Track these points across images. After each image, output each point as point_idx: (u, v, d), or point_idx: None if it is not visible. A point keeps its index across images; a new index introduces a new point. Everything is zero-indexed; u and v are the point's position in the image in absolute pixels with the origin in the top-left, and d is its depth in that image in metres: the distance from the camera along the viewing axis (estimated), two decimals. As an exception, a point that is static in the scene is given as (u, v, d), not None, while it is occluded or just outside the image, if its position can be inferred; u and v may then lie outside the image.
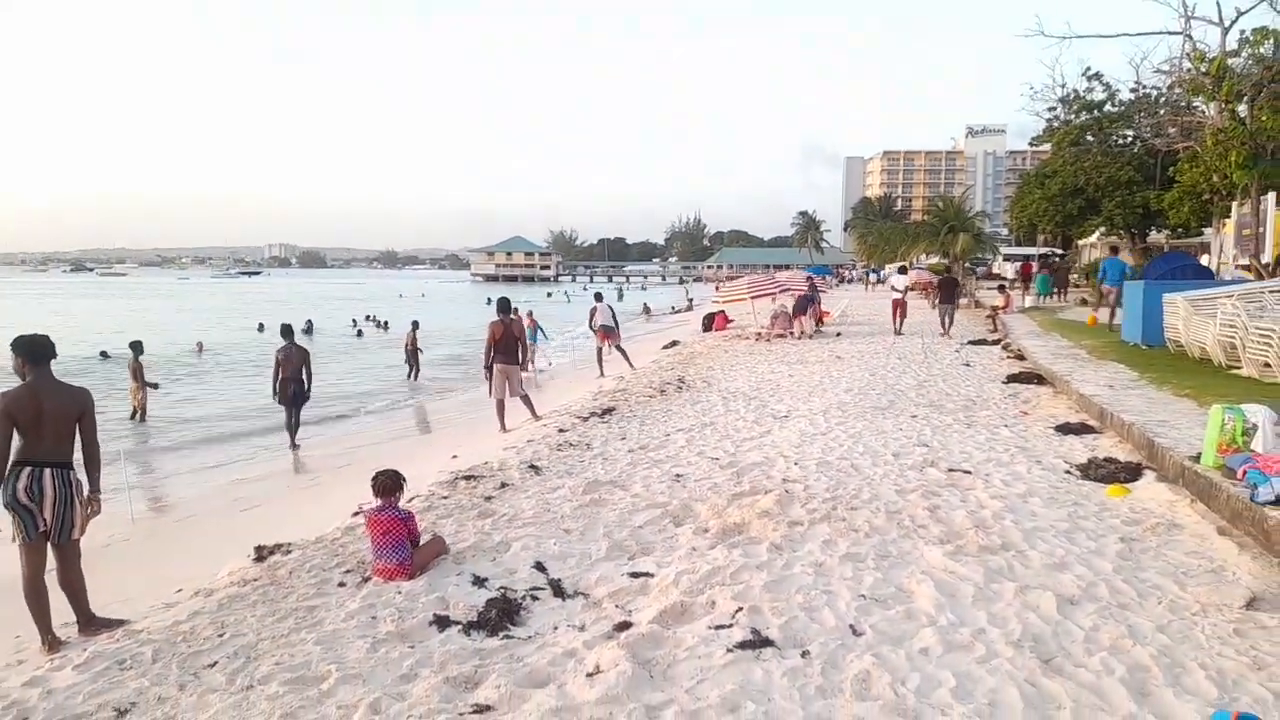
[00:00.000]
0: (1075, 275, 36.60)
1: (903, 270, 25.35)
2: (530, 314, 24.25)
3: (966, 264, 48.44)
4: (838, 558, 4.97)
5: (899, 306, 21.54)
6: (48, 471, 4.91)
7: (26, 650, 4.95)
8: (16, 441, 4.90)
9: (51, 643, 4.88)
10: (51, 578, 5.09)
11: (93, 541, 7.15)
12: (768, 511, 5.87)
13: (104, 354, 25.44)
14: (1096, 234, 34.47)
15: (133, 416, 15.03)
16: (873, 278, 65.74)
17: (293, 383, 12.61)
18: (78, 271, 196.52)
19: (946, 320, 20.89)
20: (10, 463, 4.88)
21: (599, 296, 18.37)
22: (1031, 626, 4.00)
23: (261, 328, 35.22)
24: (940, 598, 4.33)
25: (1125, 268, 19.28)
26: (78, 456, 5.16)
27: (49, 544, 5.04)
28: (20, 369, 5.07)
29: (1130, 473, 6.74)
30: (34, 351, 5.06)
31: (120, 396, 15.96)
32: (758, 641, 3.89)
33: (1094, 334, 16.74)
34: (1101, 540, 5.24)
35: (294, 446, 12.73)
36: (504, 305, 11.75)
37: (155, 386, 15.82)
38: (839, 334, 21.53)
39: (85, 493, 5.13)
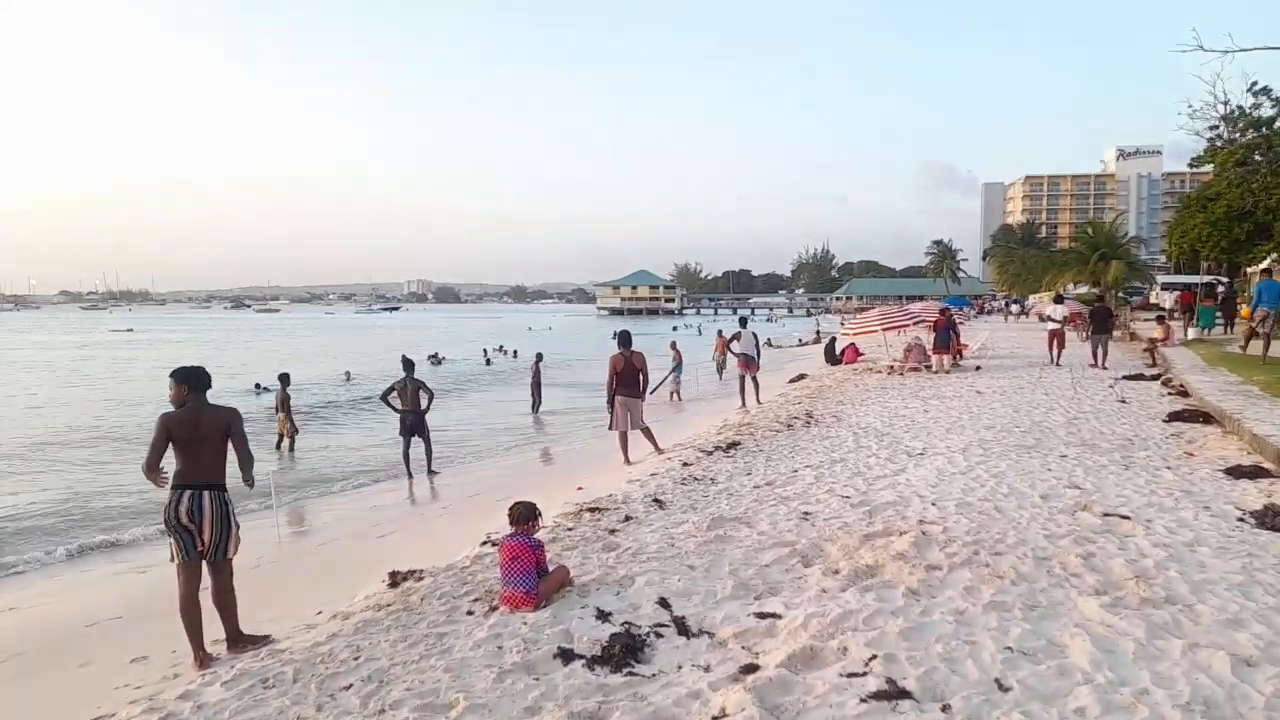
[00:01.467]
0: (1244, 305, 33.83)
1: (1058, 300, 24.24)
2: (674, 344, 24.34)
3: (1119, 293, 45.71)
4: (981, 606, 4.67)
5: (1057, 337, 20.73)
6: (206, 494, 5.24)
7: (181, 665, 5.27)
8: (175, 465, 5.26)
9: (203, 659, 5.16)
10: (205, 596, 5.41)
11: (242, 563, 7.59)
12: (903, 554, 5.60)
13: (259, 387, 26.40)
14: (1269, 259, 31.84)
15: (278, 445, 15.93)
16: (1014, 309, 62.85)
17: (411, 415, 13.20)
18: (237, 308, 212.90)
19: (1100, 351, 19.73)
20: (170, 487, 5.24)
21: (744, 322, 18.14)
22: (1202, 689, 3.62)
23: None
24: (1097, 653, 3.99)
25: None
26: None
27: (205, 563, 5.37)
28: (180, 396, 5.43)
29: (1316, 522, 6.07)
30: (196, 379, 5.45)
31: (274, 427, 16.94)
32: (894, 692, 3.68)
33: (1266, 368, 15.33)
34: (1283, 596, 4.71)
35: (428, 466, 13.36)
36: (625, 339, 11.82)
37: (297, 431, 16.51)
38: (978, 367, 20.59)
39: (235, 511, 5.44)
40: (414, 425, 13.31)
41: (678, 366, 23.17)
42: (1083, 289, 49.12)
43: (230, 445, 5.43)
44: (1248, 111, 28.35)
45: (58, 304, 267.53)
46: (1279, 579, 5.01)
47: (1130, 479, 7.96)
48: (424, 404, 13.43)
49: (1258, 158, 28.57)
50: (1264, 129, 28.10)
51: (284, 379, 16.28)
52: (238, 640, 5.41)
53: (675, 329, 71.58)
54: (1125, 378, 16.99)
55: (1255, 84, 28.18)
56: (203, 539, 5.26)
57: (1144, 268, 53.43)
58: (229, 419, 5.44)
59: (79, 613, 7.22)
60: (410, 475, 13.22)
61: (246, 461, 5.49)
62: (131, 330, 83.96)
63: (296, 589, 7.29)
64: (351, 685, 4.16)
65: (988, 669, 3.88)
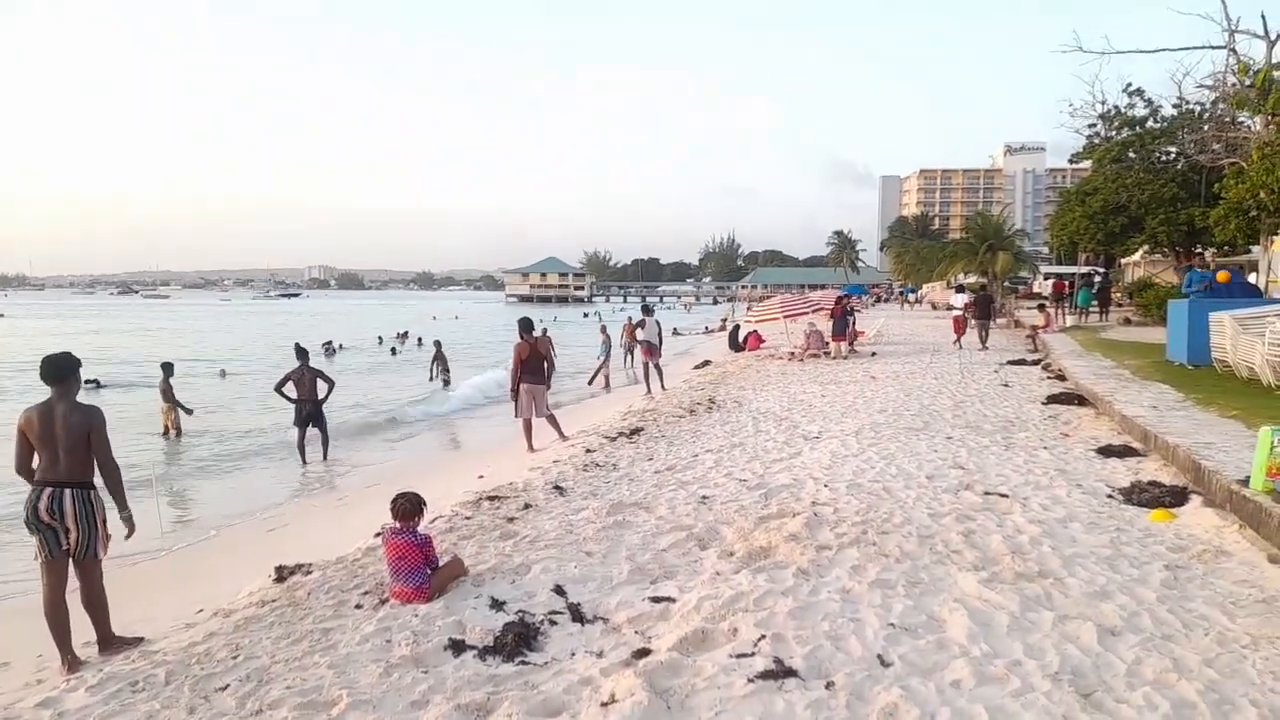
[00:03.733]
0: (1119, 294, 35.84)
1: (960, 290, 26.16)
2: (604, 328, 24.01)
3: (1006, 283, 47.81)
4: (867, 584, 4.80)
5: (960, 323, 22.66)
6: (68, 492, 4.92)
7: (47, 670, 4.95)
8: (37, 462, 4.93)
9: (71, 662, 4.87)
10: (74, 597, 5.09)
11: (122, 559, 7.22)
12: (795, 535, 5.71)
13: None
14: (1140, 252, 33.77)
15: (165, 434, 15.23)
16: (911, 297, 65.04)
17: (308, 404, 12.87)
18: (124, 293, 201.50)
19: (983, 334, 21.86)
20: (32, 484, 4.91)
21: (648, 311, 18.13)
22: (1070, 659, 3.81)
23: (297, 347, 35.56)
24: (974, 627, 4.15)
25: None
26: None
27: (71, 561, 5.05)
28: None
29: (1175, 497, 6.48)
30: (45, 371, 5.10)
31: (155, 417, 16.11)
32: (780, 671, 3.74)
33: (1137, 353, 16.29)
34: (1145, 568, 5.01)
35: (324, 458, 13.10)
36: (527, 325, 11.70)
37: (190, 412, 15.81)
38: (874, 353, 21.24)
39: (113, 514, 5.11)
40: (311, 414, 12.94)
41: (607, 349, 22.72)
42: (972, 278, 51.16)
43: (93, 451, 5.02)
44: (1123, 111, 29.95)
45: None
46: (1142, 552, 5.33)
47: (1010, 459, 8.34)
48: (323, 393, 13.05)
49: (1131, 155, 30.22)
50: (1137, 128, 29.74)
51: (167, 368, 15.58)
52: (109, 643, 5.11)
53: (586, 316, 71.41)
54: (1008, 362, 17.82)
55: (1130, 85, 29.81)
56: (68, 538, 4.95)
57: (1029, 258, 55.99)
58: (90, 422, 5.03)
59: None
60: (304, 463, 12.86)
61: (110, 475, 5.02)
62: (2, 315, 78.67)
63: (178, 586, 6.95)
64: (228, 686, 3.98)
65: (871, 645, 4.00)
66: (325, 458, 13.13)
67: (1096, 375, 13.35)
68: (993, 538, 5.61)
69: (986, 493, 6.91)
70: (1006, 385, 14.24)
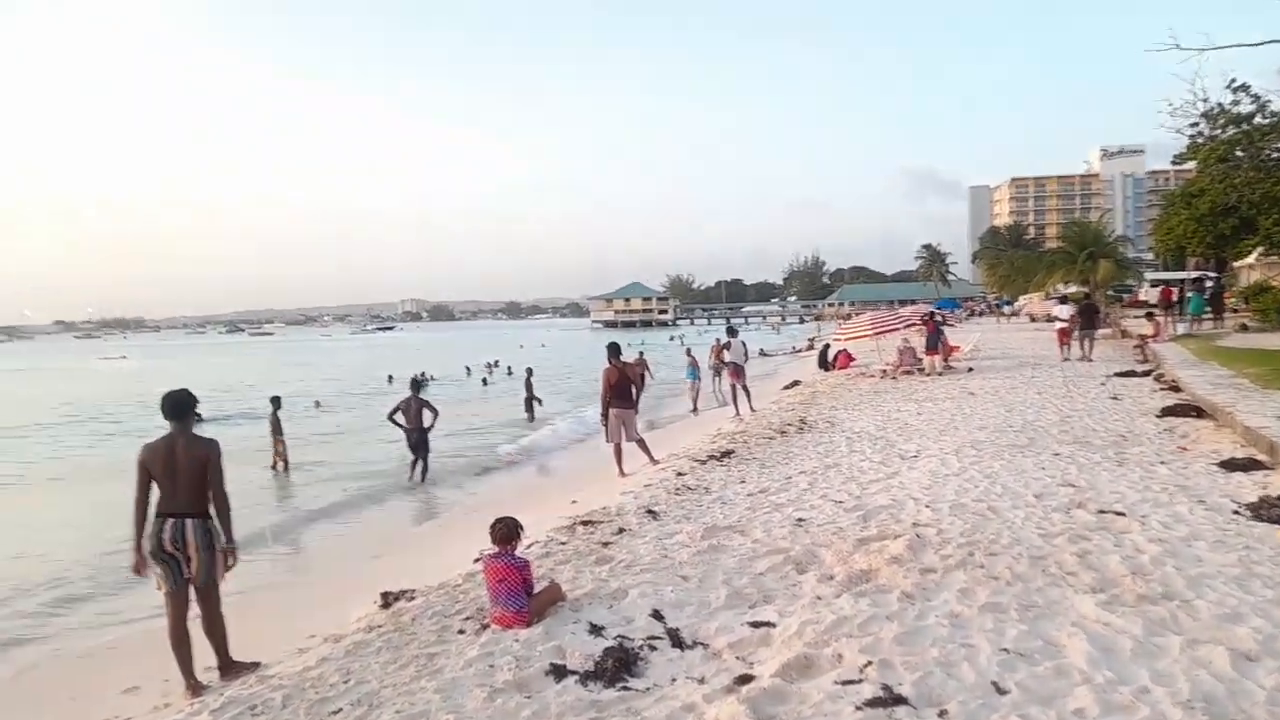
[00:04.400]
0: (1233, 299, 33.94)
1: (1063, 300, 25.52)
2: (689, 350, 23.89)
3: (1109, 291, 45.91)
4: (976, 608, 4.62)
5: (1065, 335, 21.89)
6: (189, 522, 5.17)
7: (173, 695, 5.20)
8: (155, 494, 5.20)
9: (194, 687, 5.09)
10: (196, 625, 5.33)
11: (236, 587, 7.52)
12: (898, 557, 5.55)
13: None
14: (1255, 254, 31.95)
15: (273, 467, 15.84)
16: (1007, 310, 63.06)
17: (415, 432, 13.79)
18: (232, 332, 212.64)
19: (1088, 344, 21.23)
20: (155, 515, 5.17)
21: (733, 332, 18.07)
22: (1203, 685, 3.58)
23: (391, 379, 36.70)
24: (1094, 652, 3.95)
25: None
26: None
27: (192, 589, 5.29)
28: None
29: (1310, 513, 6.05)
30: (166, 409, 5.38)
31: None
32: (890, 699, 3.63)
33: (1257, 361, 15.35)
34: (1280, 589, 4.69)
35: (421, 481, 13.93)
36: (615, 350, 11.81)
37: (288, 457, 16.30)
38: (970, 369, 20.59)
39: (222, 543, 5.34)
40: (417, 442, 13.87)
41: (694, 372, 22.05)
42: (1072, 288, 49.29)
43: (208, 480, 5.25)
44: (1227, 108, 28.44)
45: (51, 334, 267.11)
46: (1276, 571, 4.99)
47: (1124, 475, 7.94)
48: (428, 421, 13.88)
49: (1239, 153, 28.65)
50: (1244, 125, 28.19)
51: (275, 401, 16.26)
52: (229, 668, 5.34)
53: (672, 339, 71.41)
54: (1117, 374, 17.02)
55: (1234, 80, 28.29)
56: (189, 566, 5.20)
57: (1132, 265, 53.66)
58: (207, 452, 5.29)
59: (72, 643, 7.12)
60: (410, 479, 13.84)
61: (220, 505, 5.24)
62: (125, 357, 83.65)
63: (291, 613, 7.19)
64: (341, 709, 4.09)
65: (984, 672, 3.84)
66: (423, 480, 13.91)
67: (1214, 385, 12.62)
68: (1110, 558, 5.34)
69: (1101, 511, 6.59)
70: (1116, 398, 13.60)
